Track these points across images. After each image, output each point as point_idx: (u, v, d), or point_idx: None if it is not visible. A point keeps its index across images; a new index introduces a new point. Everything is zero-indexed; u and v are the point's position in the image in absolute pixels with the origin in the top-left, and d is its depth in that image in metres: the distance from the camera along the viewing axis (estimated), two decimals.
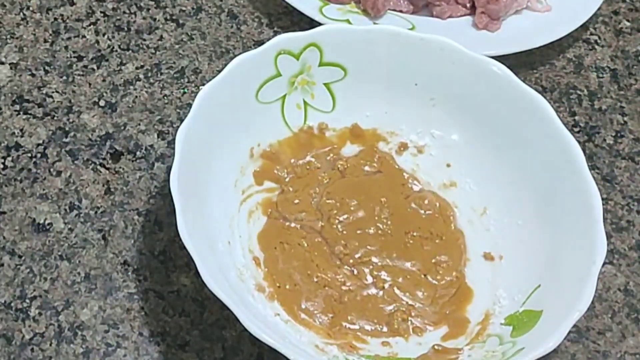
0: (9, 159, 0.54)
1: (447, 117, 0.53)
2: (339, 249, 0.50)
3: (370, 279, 0.49)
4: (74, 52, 0.58)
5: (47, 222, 0.51)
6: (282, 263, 0.49)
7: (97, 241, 0.51)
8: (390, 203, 0.52)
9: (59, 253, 0.50)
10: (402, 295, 0.49)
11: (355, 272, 0.49)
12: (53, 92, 0.57)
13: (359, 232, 0.51)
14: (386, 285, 0.49)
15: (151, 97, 0.57)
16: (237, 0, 0.62)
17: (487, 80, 0.51)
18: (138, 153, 0.54)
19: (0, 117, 0.55)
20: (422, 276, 0.50)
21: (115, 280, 0.50)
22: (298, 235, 0.50)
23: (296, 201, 0.51)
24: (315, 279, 0.49)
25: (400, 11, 0.60)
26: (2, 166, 0.53)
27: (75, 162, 0.54)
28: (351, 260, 0.50)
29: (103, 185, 0.53)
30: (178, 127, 0.47)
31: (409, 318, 0.48)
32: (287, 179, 0.52)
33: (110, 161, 0.54)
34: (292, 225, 0.51)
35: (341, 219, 0.51)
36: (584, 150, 0.49)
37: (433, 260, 0.50)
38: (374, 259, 0.50)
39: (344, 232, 0.50)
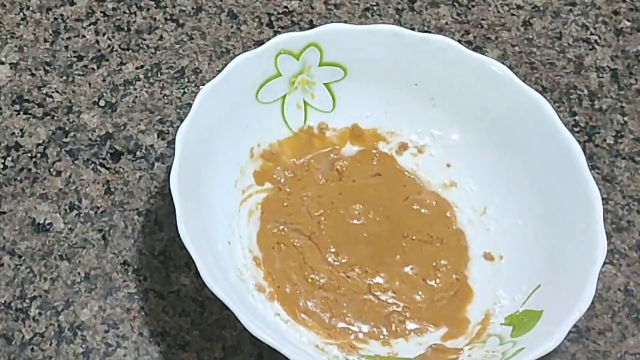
0: (9, 159, 0.54)
1: (447, 117, 0.53)
2: (330, 255, 0.50)
3: (364, 284, 0.49)
4: (74, 52, 0.58)
5: (47, 222, 0.51)
6: (279, 263, 0.49)
7: (97, 241, 0.51)
8: (386, 206, 0.52)
9: (59, 253, 0.50)
10: (399, 298, 0.49)
11: (348, 277, 0.49)
12: (53, 92, 0.57)
13: (350, 237, 0.50)
14: (381, 290, 0.49)
15: (151, 97, 0.57)
16: (237, 0, 0.62)
17: (487, 80, 0.51)
18: (138, 153, 0.54)
19: (0, 117, 0.55)
20: (421, 280, 0.49)
21: (115, 280, 0.50)
22: (291, 236, 0.50)
23: (285, 204, 0.51)
24: (310, 281, 0.49)
25: None
26: (2, 166, 0.53)
27: (75, 162, 0.54)
28: (342, 266, 0.50)
29: (103, 185, 0.53)
30: (178, 127, 0.47)
31: (406, 320, 0.48)
32: (283, 180, 0.52)
33: (110, 161, 0.54)
34: (282, 227, 0.51)
35: (331, 224, 0.51)
36: (584, 150, 0.49)
37: (433, 264, 0.50)
38: (367, 264, 0.50)
39: (334, 237, 0.50)
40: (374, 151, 0.54)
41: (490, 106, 0.52)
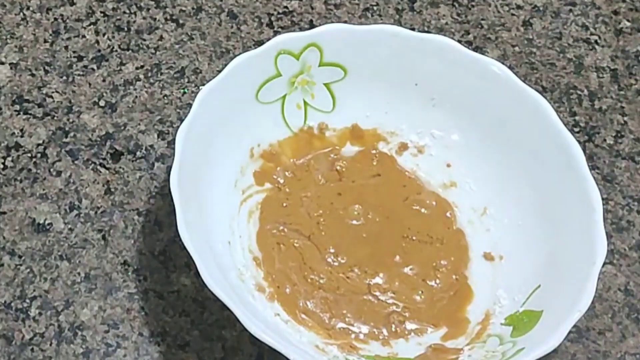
0: (9, 159, 0.54)
1: (447, 117, 0.53)
2: (329, 256, 0.50)
3: (363, 284, 0.49)
4: (74, 52, 0.58)
5: (47, 222, 0.51)
6: (279, 263, 0.49)
7: (97, 241, 0.51)
8: (386, 206, 0.52)
9: (59, 253, 0.50)
10: (399, 298, 0.49)
11: (348, 277, 0.49)
12: (53, 92, 0.57)
13: (349, 238, 0.50)
14: (381, 290, 0.49)
15: (151, 97, 0.57)
16: (237, 0, 0.62)
17: (487, 80, 0.51)
18: (138, 153, 0.54)
19: (0, 117, 0.55)
20: (421, 280, 0.49)
21: (115, 280, 0.50)
22: (291, 237, 0.50)
23: (285, 204, 0.51)
24: (310, 281, 0.49)
25: None
26: (2, 166, 0.53)
27: (75, 162, 0.54)
28: (341, 267, 0.50)
29: (103, 185, 0.53)
30: (178, 127, 0.47)
31: (406, 320, 0.48)
32: (282, 181, 0.52)
33: (110, 161, 0.54)
34: (281, 228, 0.51)
35: (330, 224, 0.51)
36: (584, 150, 0.49)
37: (433, 264, 0.50)
38: (367, 265, 0.50)
39: (334, 238, 0.50)
40: (374, 151, 0.54)
41: (490, 106, 0.52)
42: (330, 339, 0.47)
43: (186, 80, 0.58)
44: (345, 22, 0.60)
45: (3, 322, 0.48)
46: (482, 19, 0.62)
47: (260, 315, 0.46)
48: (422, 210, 0.52)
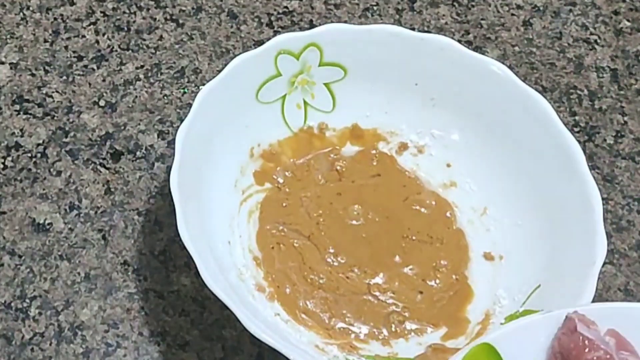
0: (9, 159, 0.54)
1: (447, 117, 0.53)
2: (329, 256, 0.50)
3: (363, 284, 0.49)
4: (74, 52, 0.58)
5: (47, 222, 0.51)
6: (279, 263, 0.49)
7: (97, 241, 0.51)
8: (386, 206, 0.52)
9: (59, 253, 0.50)
10: (398, 298, 0.49)
11: (347, 277, 0.49)
12: (53, 92, 0.57)
13: (349, 238, 0.50)
14: (381, 290, 0.49)
15: (151, 97, 0.57)
16: (237, 0, 0.62)
17: (487, 80, 0.51)
18: (138, 153, 0.54)
19: (0, 117, 0.55)
20: (421, 280, 0.49)
21: (115, 280, 0.50)
22: (290, 237, 0.50)
23: (284, 204, 0.51)
24: (310, 281, 0.49)
25: None
26: (2, 166, 0.53)
27: (75, 162, 0.54)
28: (341, 267, 0.50)
29: (103, 185, 0.53)
30: (178, 127, 0.47)
31: (406, 320, 0.48)
32: (282, 181, 0.52)
33: (110, 161, 0.54)
34: (281, 228, 0.51)
35: (330, 224, 0.51)
36: (584, 150, 0.49)
37: (433, 264, 0.50)
38: (366, 265, 0.50)
39: (333, 238, 0.50)
40: (374, 151, 0.54)
41: (490, 106, 0.52)
42: (330, 338, 0.47)
43: (186, 80, 0.58)
44: (345, 22, 0.60)
45: (3, 322, 0.48)
46: (482, 19, 0.62)
47: (260, 315, 0.46)
48: (422, 210, 0.52)
